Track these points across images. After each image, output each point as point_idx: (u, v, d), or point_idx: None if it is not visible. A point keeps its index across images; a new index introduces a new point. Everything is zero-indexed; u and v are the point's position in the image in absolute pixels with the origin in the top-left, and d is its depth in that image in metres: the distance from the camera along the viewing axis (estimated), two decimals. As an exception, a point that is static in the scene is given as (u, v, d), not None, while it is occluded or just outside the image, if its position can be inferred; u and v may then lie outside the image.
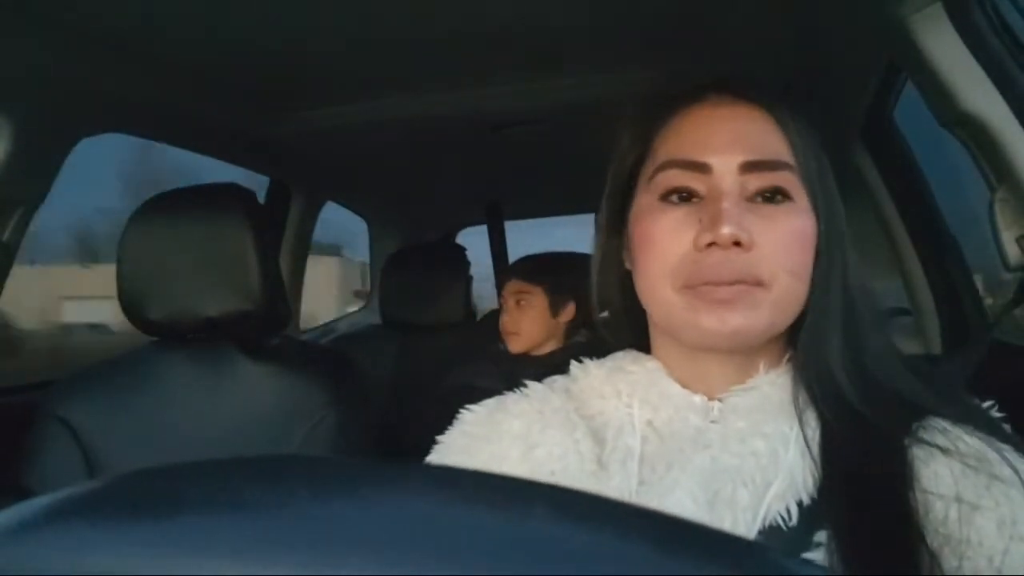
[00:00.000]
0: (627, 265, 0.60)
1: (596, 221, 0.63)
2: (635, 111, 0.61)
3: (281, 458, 0.22)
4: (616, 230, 0.61)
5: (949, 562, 0.44)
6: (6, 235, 1.19)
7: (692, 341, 0.54)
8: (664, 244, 0.53)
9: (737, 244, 0.50)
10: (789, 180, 0.53)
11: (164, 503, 0.19)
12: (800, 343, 0.53)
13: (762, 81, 0.58)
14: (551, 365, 0.64)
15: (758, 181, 0.53)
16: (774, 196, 0.53)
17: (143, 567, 0.16)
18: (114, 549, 0.17)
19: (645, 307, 0.57)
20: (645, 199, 0.56)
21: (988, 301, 1.32)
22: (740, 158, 0.53)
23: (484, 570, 0.16)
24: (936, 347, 1.35)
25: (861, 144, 1.43)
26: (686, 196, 0.54)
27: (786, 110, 0.55)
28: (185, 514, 0.18)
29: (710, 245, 0.51)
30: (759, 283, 0.51)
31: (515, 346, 1.59)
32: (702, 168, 0.53)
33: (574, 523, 0.18)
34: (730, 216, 0.50)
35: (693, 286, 0.51)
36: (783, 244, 0.51)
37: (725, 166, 0.53)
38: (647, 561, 0.17)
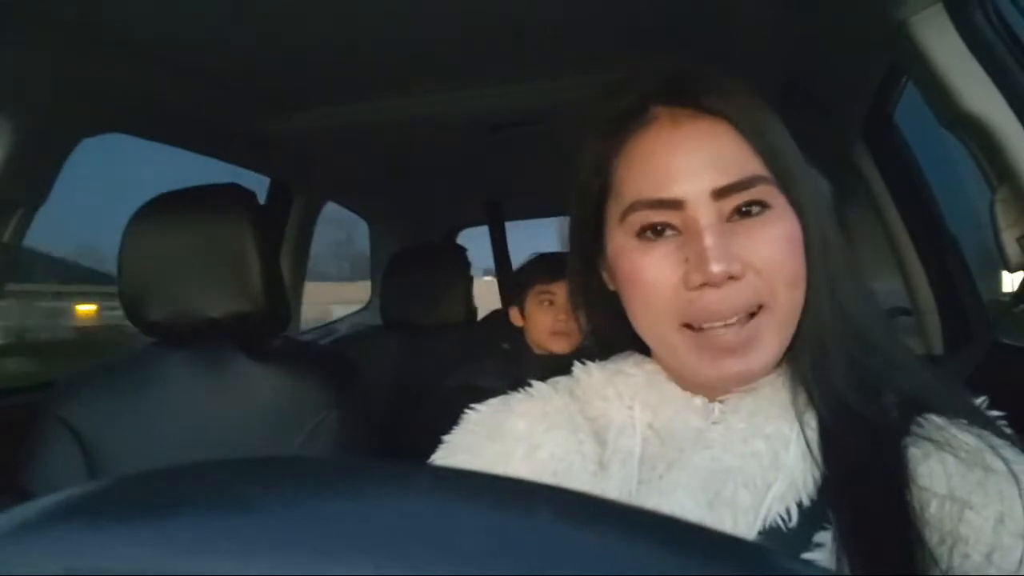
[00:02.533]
0: (610, 286, 0.58)
1: (569, 246, 0.61)
2: (588, 131, 0.57)
3: (281, 459, 0.22)
4: (590, 256, 0.60)
5: (946, 560, 0.44)
6: (6, 235, 1.19)
7: (696, 382, 0.54)
8: (651, 284, 0.52)
9: (730, 277, 0.49)
10: (765, 191, 0.51)
11: (165, 504, 0.19)
12: (796, 344, 0.53)
13: (717, 83, 0.53)
14: (552, 366, 0.64)
15: (734, 202, 0.50)
16: (751, 209, 0.51)
17: (144, 568, 0.16)
18: (115, 550, 0.17)
19: (642, 337, 0.56)
20: (620, 238, 0.54)
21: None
22: (711, 184, 0.50)
23: (485, 570, 0.16)
24: (937, 347, 1.35)
25: (862, 144, 1.43)
26: (662, 230, 0.52)
27: (749, 115, 0.52)
28: (185, 515, 0.18)
29: (703, 286, 0.49)
30: (761, 306, 0.50)
31: (563, 347, 1.56)
32: (674, 204, 0.51)
33: (576, 524, 0.18)
34: (715, 252, 0.48)
35: (695, 327, 0.51)
36: (773, 258, 0.50)
37: (697, 196, 0.50)
38: (650, 562, 0.17)
